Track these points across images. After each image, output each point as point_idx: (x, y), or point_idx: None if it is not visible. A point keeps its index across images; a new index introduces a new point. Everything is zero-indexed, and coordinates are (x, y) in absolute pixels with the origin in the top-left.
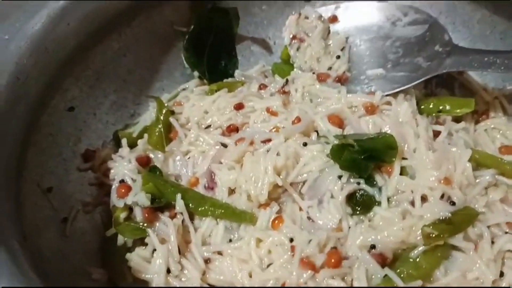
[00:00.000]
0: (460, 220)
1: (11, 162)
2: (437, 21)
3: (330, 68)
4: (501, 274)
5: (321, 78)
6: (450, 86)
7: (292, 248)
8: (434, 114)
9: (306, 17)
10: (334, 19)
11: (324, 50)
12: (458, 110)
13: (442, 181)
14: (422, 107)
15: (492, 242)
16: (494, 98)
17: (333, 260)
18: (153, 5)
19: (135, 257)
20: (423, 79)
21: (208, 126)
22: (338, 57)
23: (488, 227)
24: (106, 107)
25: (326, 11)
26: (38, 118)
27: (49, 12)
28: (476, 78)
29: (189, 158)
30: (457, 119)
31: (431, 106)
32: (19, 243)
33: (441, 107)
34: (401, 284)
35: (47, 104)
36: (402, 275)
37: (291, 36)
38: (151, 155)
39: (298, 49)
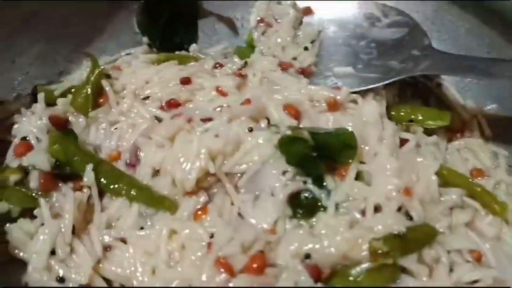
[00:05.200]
0: (416, 238)
1: None
2: (418, 25)
3: (295, 59)
4: None
5: (283, 66)
6: (425, 98)
7: (209, 245)
8: (404, 123)
9: (279, 3)
10: (308, 10)
11: (292, 39)
12: (431, 122)
13: (401, 191)
14: (393, 113)
15: (451, 270)
16: (473, 116)
17: (255, 265)
18: None
19: (16, 230)
20: (396, 78)
21: (146, 98)
22: (306, 48)
23: (448, 252)
24: (29, 56)
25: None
26: None
27: None
28: (456, 92)
29: (115, 129)
30: (429, 133)
31: (402, 113)
32: None
33: (413, 116)
34: None
35: None
36: None
37: (258, 18)
38: (71, 118)
39: (263, 33)
